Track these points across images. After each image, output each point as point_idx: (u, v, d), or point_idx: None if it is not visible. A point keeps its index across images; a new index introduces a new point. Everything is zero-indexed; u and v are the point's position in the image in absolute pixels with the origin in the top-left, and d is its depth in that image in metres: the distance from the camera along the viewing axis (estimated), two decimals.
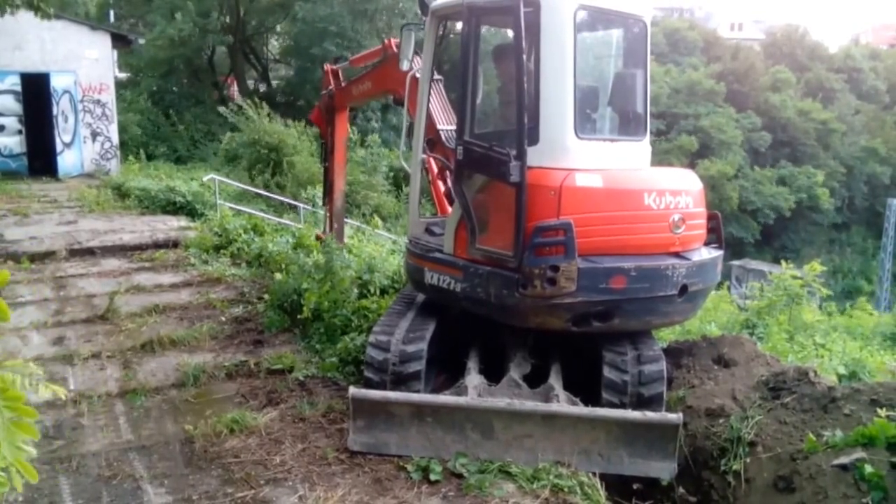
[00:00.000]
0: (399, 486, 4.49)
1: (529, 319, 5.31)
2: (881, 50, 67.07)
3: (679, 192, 5.47)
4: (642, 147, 5.89)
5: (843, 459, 4.40)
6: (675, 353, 6.29)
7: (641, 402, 5.19)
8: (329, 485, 4.50)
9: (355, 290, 7.45)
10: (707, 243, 5.89)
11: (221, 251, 10.80)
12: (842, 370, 8.03)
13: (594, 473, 4.70)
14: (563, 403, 5.05)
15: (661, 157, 43.32)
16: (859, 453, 4.39)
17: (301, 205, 16.10)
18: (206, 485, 4.56)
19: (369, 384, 5.38)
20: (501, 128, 6.07)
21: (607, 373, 5.30)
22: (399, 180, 20.13)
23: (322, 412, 5.54)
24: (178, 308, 8.20)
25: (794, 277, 10.61)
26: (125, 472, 4.71)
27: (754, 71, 53.28)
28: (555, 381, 5.37)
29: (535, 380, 5.45)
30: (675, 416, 4.78)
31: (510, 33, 5.72)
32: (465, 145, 5.45)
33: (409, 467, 4.67)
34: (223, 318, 7.85)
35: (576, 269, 4.90)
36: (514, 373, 5.46)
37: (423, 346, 5.49)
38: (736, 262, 39.35)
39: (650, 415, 4.83)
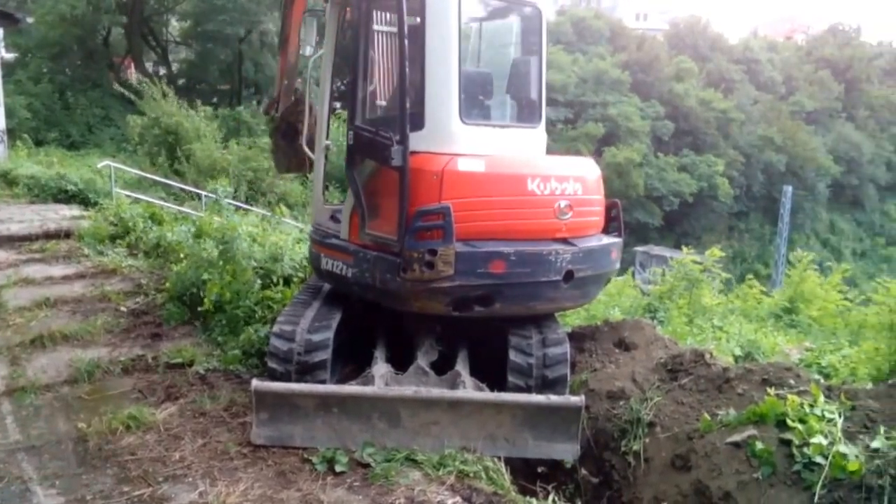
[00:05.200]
0: (303, 479, 4.44)
1: (412, 303, 5.35)
2: (778, 42, 70.42)
3: (566, 178, 5.49)
4: (536, 134, 5.92)
5: (736, 437, 4.59)
6: (578, 338, 6.43)
7: (546, 385, 5.30)
8: (231, 479, 4.40)
9: (258, 281, 7.28)
10: (608, 231, 6.00)
11: (117, 241, 10.40)
12: (738, 351, 8.38)
13: (499, 458, 4.75)
14: (470, 389, 5.08)
15: (569, 145, 44.26)
16: (751, 431, 4.58)
17: (203, 193, 15.65)
18: (100, 484, 4.39)
19: (273, 375, 5.28)
20: (391, 113, 6.05)
21: (513, 356, 5.39)
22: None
23: (224, 406, 5.42)
24: (70, 301, 7.83)
25: (695, 262, 11.02)
26: (13, 473, 4.48)
27: (658, 61, 54.96)
28: (462, 367, 5.41)
29: (444, 367, 5.46)
30: (578, 399, 4.88)
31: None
32: (355, 130, 5.45)
33: (315, 459, 4.62)
34: (119, 311, 7.56)
35: (453, 253, 4.94)
36: (422, 360, 5.47)
37: (330, 335, 5.42)
38: (640, 248, 40.61)
39: (553, 398, 4.92)
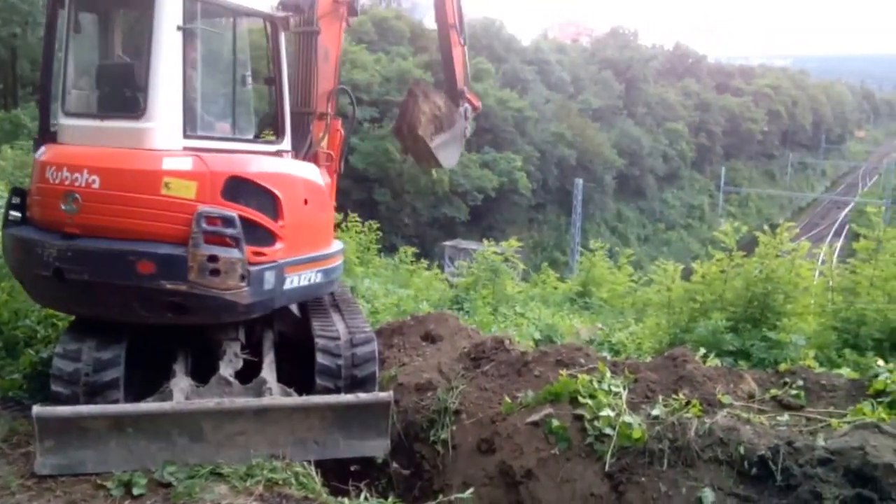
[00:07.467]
0: None
1: None
2: (566, 44, 75.15)
3: (80, 168, 4.92)
4: (139, 125, 5.12)
5: (535, 417, 4.86)
6: (386, 334, 6.53)
7: (355, 384, 5.31)
8: None
9: None
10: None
11: None
12: (537, 335, 8.86)
13: (310, 461, 4.70)
14: (276, 396, 4.98)
15: (376, 143, 44.62)
16: (548, 410, 4.87)
17: None
18: None
19: (58, 399, 4.87)
20: None
21: (320, 359, 5.34)
22: None
23: (3, 437, 4.98)
24: None
25: (495, 254, 11.50)
26: None
27: None
28: (268, 374, 5.28)
29: (250, 375, 5.30)
30: (386, 395, 4.94)
31: None
32: None
33: (109, 484, 4.34)
34: None
35: None
36: (225, 370, 5.26)
37: (121, 351, 5.09)
38: (448, 243, 41.82)
39: (362, 396, 4.95)
